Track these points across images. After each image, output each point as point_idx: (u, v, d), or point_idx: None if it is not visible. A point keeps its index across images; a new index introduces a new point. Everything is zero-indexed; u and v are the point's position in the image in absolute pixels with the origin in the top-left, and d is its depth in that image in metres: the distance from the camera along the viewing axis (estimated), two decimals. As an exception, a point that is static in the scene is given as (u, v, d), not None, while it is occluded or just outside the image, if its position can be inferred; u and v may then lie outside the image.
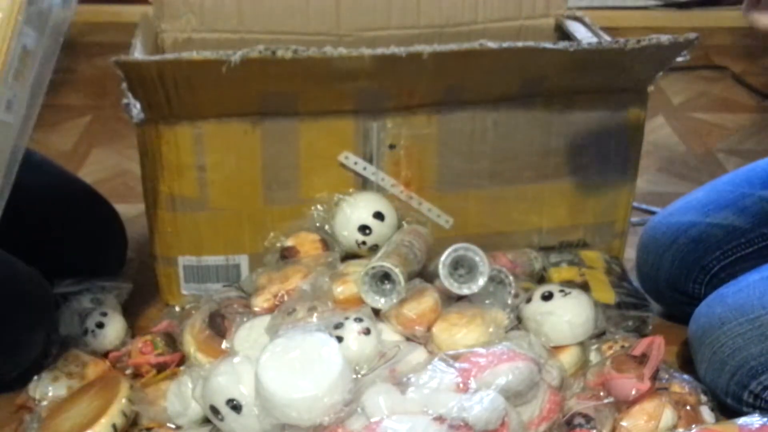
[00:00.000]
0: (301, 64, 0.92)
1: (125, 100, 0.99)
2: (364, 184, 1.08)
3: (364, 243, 1.04)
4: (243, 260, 1.09)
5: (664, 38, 0.96)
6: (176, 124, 1.00)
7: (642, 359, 0.88)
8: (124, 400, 0.89)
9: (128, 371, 0.97)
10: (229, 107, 1.00)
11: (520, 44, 0.95)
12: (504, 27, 1.21)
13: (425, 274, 1.00)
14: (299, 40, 1.08)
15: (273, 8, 1.15)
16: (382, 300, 0.94)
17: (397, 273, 0.92)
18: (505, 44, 0.94)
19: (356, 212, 1.04)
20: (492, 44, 0.94)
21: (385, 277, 0.94)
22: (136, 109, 0.99)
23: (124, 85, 0.96)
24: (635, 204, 1.26)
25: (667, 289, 1.08)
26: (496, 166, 1.09)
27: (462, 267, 0.96)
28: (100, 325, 1.01)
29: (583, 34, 1.16)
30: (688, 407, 0.89)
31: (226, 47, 0.95)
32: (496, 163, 1.09)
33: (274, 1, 1.15)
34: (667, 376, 0.93)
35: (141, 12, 1.14)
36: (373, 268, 0.93)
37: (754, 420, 0.82)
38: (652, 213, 1.34)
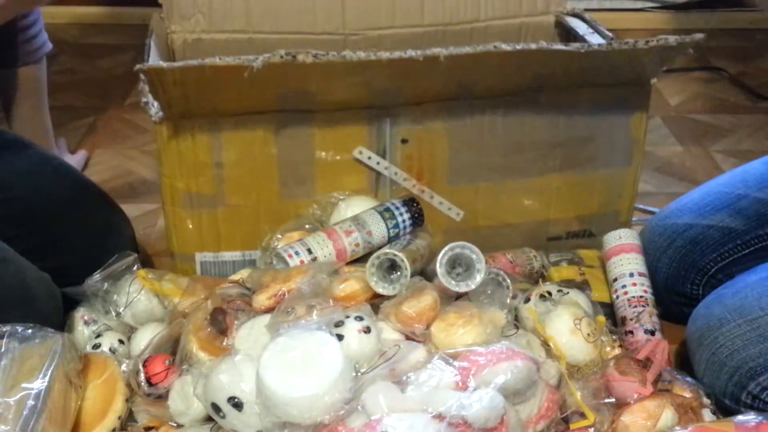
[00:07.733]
0: (320, 67, 0.92)
1: (144, 99, 0.99)
2: (377, 179, 1.09)
3: (361, 239, 1.05)
4: (259, 256, 1.10)
5: (672, 39, 0.97)
6: (194, 123, 1.01)
7: (645, 362, 0.89)
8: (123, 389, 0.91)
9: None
10: (246, 107, 1.01)
11: (533, 46, 0.96)
12: (505, 24, 1.23)
13: (424, 274, 1.00)
14: (306, 40, 1.09)
15: (280, 8, 1.16)
16: (390, 287, 0.95)
17: (402, 258, 0.94)
18: (519, 46, 0.95)
19: (351, 209, 1.05)
20: (506, 46, 0.94)
21: (391, 268, 0.95)
22: (155, 107, 0.99)
23: (143, 85, 0.96)
24: (632, 204, 1.26)
25: (664, 290, 1.08)
26: (505, 159, 1.11)
27: (459, 266, 0.96)
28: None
29: (584, 30, 1.18)
30: (689, 410, 0.88)
31: (235, 47, 0.95)
32: (505, 156, 1.10)
33: (282, 1, 1.16)
34: (669, 378, 0.92)
35: (142, 14, 1.15)
36: (377, 257, 0.94)
37: (750, 418, 0.82)
38: (650, 212, 1.35)
